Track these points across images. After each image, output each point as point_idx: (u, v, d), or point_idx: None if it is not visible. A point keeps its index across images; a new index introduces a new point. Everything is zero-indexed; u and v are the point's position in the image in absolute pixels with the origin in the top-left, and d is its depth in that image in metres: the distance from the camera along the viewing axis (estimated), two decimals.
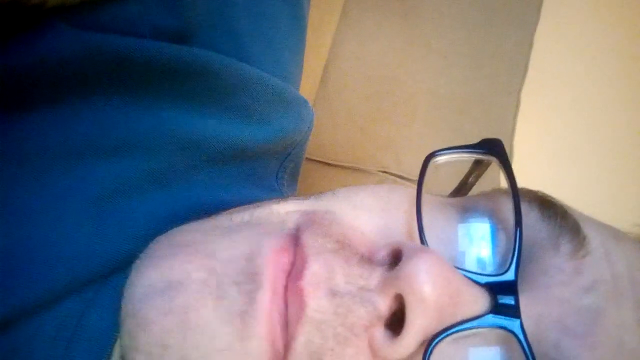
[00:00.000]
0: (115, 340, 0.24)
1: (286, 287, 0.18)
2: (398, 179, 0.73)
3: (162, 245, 0.20)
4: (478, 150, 0.22)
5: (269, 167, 0.35)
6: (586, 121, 0.80)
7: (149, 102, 0.27)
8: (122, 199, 0.26)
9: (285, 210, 0.21)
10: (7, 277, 0.22)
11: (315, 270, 0.18)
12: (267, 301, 0.17)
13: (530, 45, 0.78)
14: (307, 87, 0.72)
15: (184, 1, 0.27)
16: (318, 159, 0.73)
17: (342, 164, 0.73)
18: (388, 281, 0.18)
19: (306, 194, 0.24)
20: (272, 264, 0.18)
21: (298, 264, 0.18)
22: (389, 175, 0.74)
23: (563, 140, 0.80)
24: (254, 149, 0.32)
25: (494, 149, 0.22)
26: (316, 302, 0.17)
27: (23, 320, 0.23)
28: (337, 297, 0.18)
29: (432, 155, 0.22)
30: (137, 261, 0.20)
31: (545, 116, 0.80)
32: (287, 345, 0.17)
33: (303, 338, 0.17)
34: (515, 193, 0.21)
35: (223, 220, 0.21)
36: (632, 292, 0.20)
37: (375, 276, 0.18)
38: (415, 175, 0.73)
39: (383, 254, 0.19)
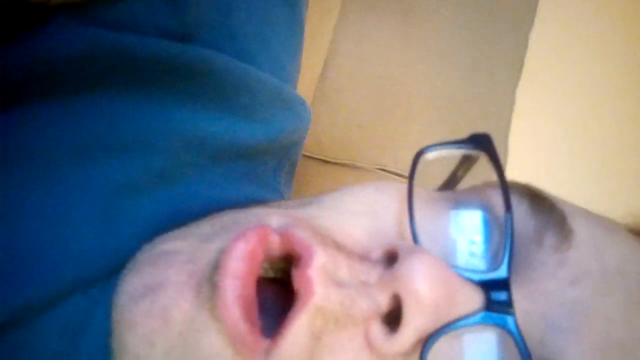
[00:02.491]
0: None
1: (253, 269, 0.18)
2: (396, 177, 0.74)
3: (145, 253, 0.21)
4: (467, 145, 0.23)
5: (268, 166, 0.35)
6: (580, 119, 0.80)
7: (154, 100, 0.27)
8: (128, 196, 0.26)
9: (266, 212, 0.22)
10: (15, 275, 0.23)
11: (323, 260, 0.18)
12: (228, 286, 0.17)
13: (525, 45, 0.78)
14: (306, 86, 0.72)
15: (187, 2, 0.28)
16: (316, 156, 0.74)
17: (340, 161, 0.74)
18: (385, 280, 0.18)
19: (291, 199, 0.24)
20: (234, 252, 0.18)
21: (304, 255, 0.18)
22: (386, 173, 0.74)
23: (558, 137, 0.80)
24: (255, 147, 0.32)
25: (482, 144, 0.22)
26: (324, 291, 0.18)
27: (30, 318, 0.23)
28: (343, 289, 0.18)
29: (422, 151, 0.22)
30: (124, 270, 0.21)
31: (540, 114, 0.80)
32: (285, 324, 0.18)
33: (305, 320, 0.17)
34: (505, 187, 0.21)
35: (205, 226, 0.22)
36: (623, 285, 0.20)
37: (374, 273, 0.19)
38: None
39: (378, 253, 0.20)
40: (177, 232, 0.22)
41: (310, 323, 0.17)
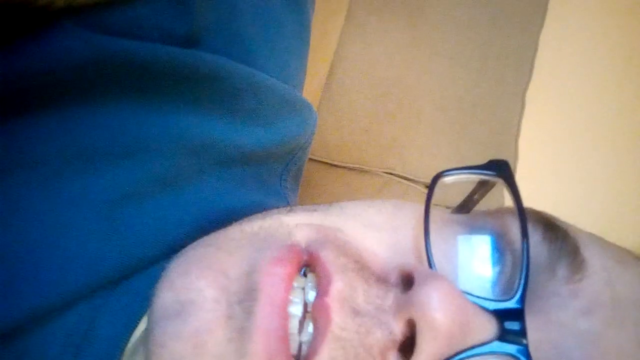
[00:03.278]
0: (124, 346, 0.24)
1: (286, 297, 0.18)
2: (403, 180, 0.73)
3: (177, 263, 0.20)
4: (485, 172, 0.23)
5: (274, 170, 0.35)
6: (591, 123, 0.80)
7: (158, 105, 0.27)
8: (132, 203, 0.26)
9: (294, 223, 0.22)
10: (19, 284, 0.23)
11: (340, 287, 0.18)
12: (263, 316, 0.17)
13: (535, 47, 0.78)
14: (313, 89, 0.72)
15: (192, 6, 0.27)
16: (323, 159, 0.74)
17: (347, 164, 0.74)
18: (401, 305, 0.18)
19: (311, 201, 0.24)
20: (269, 276, 0.18)
21: (322, 281, 0.18)
22: (394, 177, 0.74)
23: (568, 141, 0.80)
24: (260, 152, 0.32)
25: (501, 171, 0.22)
26: (341, 319, 0.18)
27: (33, 326, 0.23)
28: (359, 317, 0.18)
29: (439, 175, 0.23)
30: (158, 281, 0.20)
31: (550, 118, 0.80)
32: (287, 349, 0.17)
33: (326, 353, 0.17)
34: (523, 218, 0.21)
35: (234, 232, 0.22)
36: (635, 316, 0.20)
37: (389, 297, 0.19)
38: (420, 177, 0.73)
39: (395, 277, 0.20)
40: (207, 239, 0.21)
41: (331, 357, 0.17)
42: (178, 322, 0.18)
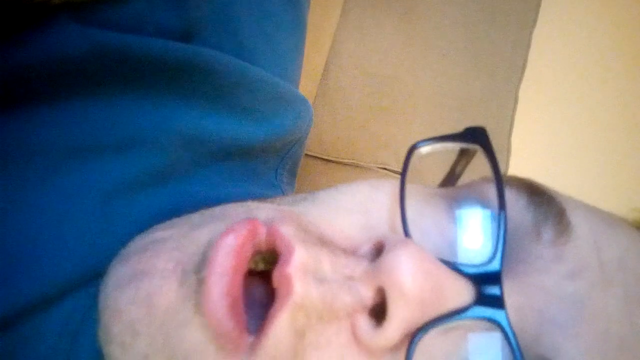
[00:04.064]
0: None
1: (240, 254, 0.18)
2: (397, 176, 0.74)
3: (135, 243, 0.20)
4: (461, 139, 0.22)
5: (269, 164, 0.35)
6: (583, 119, 0.80)
7: (154, 99, 0.27)
8: (127, 195, 0.26)
9: (255, 205, 0.21)
10: (14, 274, 0.23)
11: (302, 257, 0.18)
12: (215, 281, 0.17)
13: (528, 43, 0.78)
14: (308, 85, 0.72)
15: (189, 1, 0.27)
16: (318, 155, 0.74)
17: (342, 160, 0.74)
18: (370, 273, 0.18)
19: (291, 196, 0.23)
20: (223, 246, 0.18)
21: (284, 252, 0.18)
22: (388, 172, 0.74)
23: (560, 136, 0.80)
24: (255, 146, 0.32)
25: (477, 137, 0.22)
26: (304, 288, 0.17)
27: (29, 316, 0.23)
28: (324, 285, 0.18)
29: (415, 146, 0.22)
30: (113, 259, 0.20)
31: (542, 113, 0.80)
32: (266, 322, 0.17)
33: (286, 317, 0.17)
34: (499, 179, 0.20)
35: (195, 217, 0.22)
36: (623, 279, 0.19)
37: (360, 267, 0.18)
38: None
39: (366, 248, 0.19)
40: (167, 223, 0.21)
41: (292, 320, 0.17)
42: (130, 288, 0.18)
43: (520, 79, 0.77)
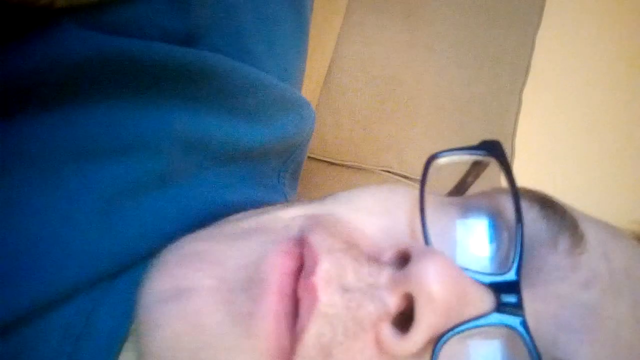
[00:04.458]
0: (124, 338, 0.24)
1: (294, 290, 0.19)
2: (401, 179, 0.74)
3: (173, 253, 0.21)
4: (478, 152, 0.23)
5: (272, 167, 0.35)
6: (587, 122, 0.80)
7: (157, 103, 0.27)
8: (130, 198, 0.26)
9: (289, 216, 0.22)
10: (18, 277, 0.23)
11: (326, 267, 0.18)
12: (271, 302, 0.18)
13: (532, 46, 0.78)
14: (311, 88, 0.72)
15: (192, 4, 0.27)
16: (321, 158, 0.74)
17: (345, 163, 0.74)
18: (397, 280, 0.18)
19: (309, 198, 0.24)
20: (276, 269, 0.19)
21: (309, 262, 0.19)
22: (391, 175, 0.74)
23: (564, 140, 0.80)
24: (258, 149, 0.32)
25: (493, 150, 0.23)
26: (328, 297, 0.18)
27: (32, 319, 0.23)
28: (348, 293, 0.18)
29: (433, 156, 0.23)
30: (150, 269, 0.20)
31: (546, 117, 0.80)
32: (296, 339, 0.18)
33: (314, 331, 0.18)
34: (515, 193, 0.21)
35: (230, 227, 0.22)
36: (630, 287, 0.20)
37: (383, 275, 0.19)
38: (418, 175, 0.74)
39: (389, 254, 0.20)
40: (202, 233, 0.22)
41: (320, 333, 0.18)
42: (176, 304, 0.18)
43: (524, 82, 0.77)
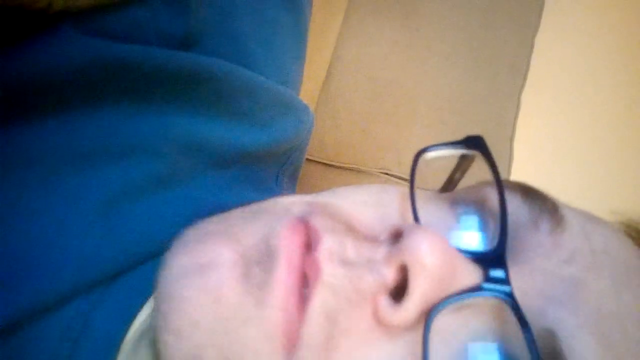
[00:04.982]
0: (122, 340, 0.24)
1: (302, 262, 0.20)
2: (399, 181, 0.74)
3: (192, 233, 0.22)
4: (463, 146, 0.25)
5: (270, 170, 0.36)
6: (586, 123, 0.80)
7: (155, 107, 0.27)
8: (128, 201, 0.26)
9: (288, 201, 0.23)
10: (16, 279, 0.23)
11: (328, 243, 0.20)
12: (282, 272, 0.19)
13: (531, 47, 0.78)
14: (310, 89, 0.73)
15: (190, 8, 0.28)
16: (320, 160, 0.74)
17: (343, 165, 0.74)
18: (392, 253, 0.19)
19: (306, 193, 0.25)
20: (285, 241, 0.20)
21: (313, 240, 0.20)
22: (390, 177, 0.74)
23: (563, 142, 0.80)
24: (256, 152, 0.32)
25: (477, 144, 0.24)
26: (331, 269, 0.19)
27: (30, 321, 0.23)
28: (349, 266, 0.19)
29: (422, 151, 0.24)
30: (171, 247, 0.21)
31: (545, 118, 0.80)
32: (303, 308, 0.19)
33: (319, 299, 0.19)
34: (498, 178, 0.22)
35: (236, 213, 0.23)
36: (609, 263, 0.22)
37: (380, 251, 0.20)
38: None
39: (385, 235, 0.21)
40: (215, 218, 0.23)
41: (325, 301, 0.19)
42: (198, 278, 0.19)
43: (522, 83, 0.77)
